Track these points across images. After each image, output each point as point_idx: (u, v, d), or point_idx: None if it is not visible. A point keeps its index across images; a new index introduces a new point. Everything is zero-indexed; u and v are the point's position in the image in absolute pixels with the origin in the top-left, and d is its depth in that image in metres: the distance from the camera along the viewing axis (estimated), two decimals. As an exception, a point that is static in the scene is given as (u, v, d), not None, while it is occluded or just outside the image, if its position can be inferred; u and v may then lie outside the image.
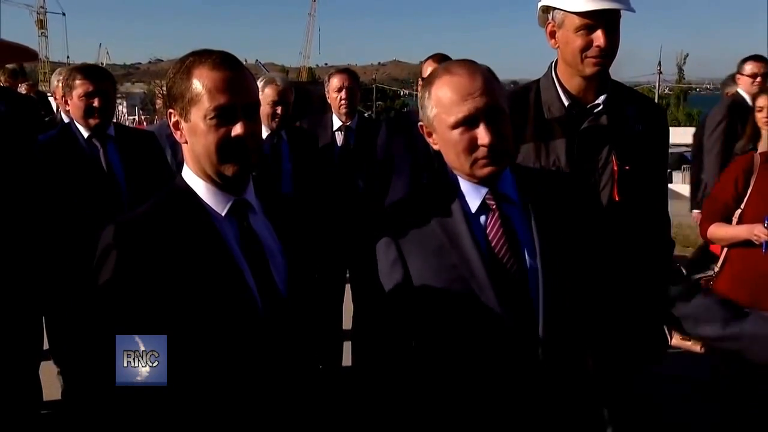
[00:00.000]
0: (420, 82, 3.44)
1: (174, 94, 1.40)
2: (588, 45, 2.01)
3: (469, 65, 1.48)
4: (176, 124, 1.42)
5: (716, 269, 2.86)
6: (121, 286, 1.31)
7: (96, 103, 2.90)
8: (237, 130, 1.36)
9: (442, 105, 1.46)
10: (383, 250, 1.50)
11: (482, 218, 1.49)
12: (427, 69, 3.41)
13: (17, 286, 2.14)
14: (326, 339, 3.69)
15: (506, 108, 1.48)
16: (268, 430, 1.40)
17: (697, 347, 2.97)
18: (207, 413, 1.34)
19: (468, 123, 1.44)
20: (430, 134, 1.53)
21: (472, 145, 1.44)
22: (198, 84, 1.36)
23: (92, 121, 2.92)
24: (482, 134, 1.43)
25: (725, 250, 2.84)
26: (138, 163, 3.00)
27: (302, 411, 1.45)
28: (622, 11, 2.01)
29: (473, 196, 1.50)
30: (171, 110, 1.43)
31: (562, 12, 2.03)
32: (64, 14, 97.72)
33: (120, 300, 1.31)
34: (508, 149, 1.48)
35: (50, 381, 3.31)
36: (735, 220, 2.79)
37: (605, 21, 1.97)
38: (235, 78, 1.37)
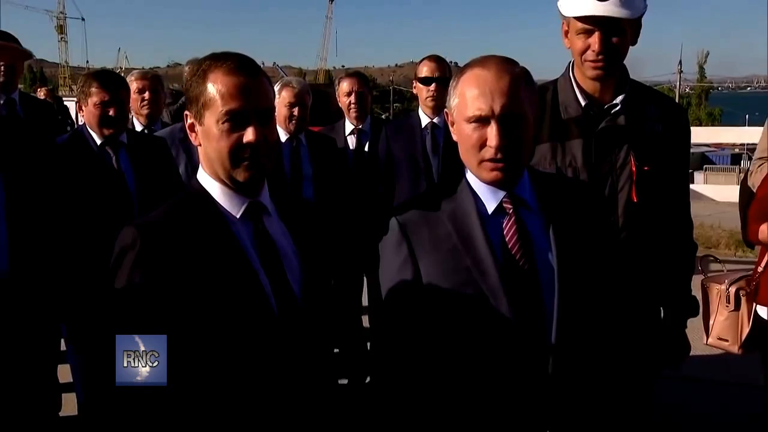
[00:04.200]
0: (415, 84, 3.42)
1: (190, 96, 1.41)
2: (586, 49, 1.99)
3: (502, 64, 1.45)
4: (191, 126, 1.43)
5: (759, 270, 2.74)
6: (137, 287, 1.31)
7: (111, 113, 2.85)
8: (249, 135, 1.35)
9: (463, 97, 1.46)
10: (393, 250, 1.49)
11: (498, 222, 1.47)
12: (423, 69, 3.37)
13: (35, 288, 2.17)
14: (347, 341, 3.67)
15: (529, 115, 1.45)
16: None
17: (734, 348, 2.80)
18: (221, 415, 1.34)
19: (482, 121, 1.43)
20: (452, 123, 1.52)
21: (482, 144, 1.43)
22: (212, 88, 1.36)
23: (106, 131, 2.89)
24: (492, 135, 1.41)
25: None
26: (148, 170, 2.98)
27: (315, 413, 1.45)
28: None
29: (490, 199, 1.48)
30: (187, 112, 1.44)
31: None
32: (83, 19, 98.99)
33: (136, 301, 1.32)
34: (518, 156, 1.45)
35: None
36: None
37: (604, 25, 1.94)
38: (249, 84, 1.37)
